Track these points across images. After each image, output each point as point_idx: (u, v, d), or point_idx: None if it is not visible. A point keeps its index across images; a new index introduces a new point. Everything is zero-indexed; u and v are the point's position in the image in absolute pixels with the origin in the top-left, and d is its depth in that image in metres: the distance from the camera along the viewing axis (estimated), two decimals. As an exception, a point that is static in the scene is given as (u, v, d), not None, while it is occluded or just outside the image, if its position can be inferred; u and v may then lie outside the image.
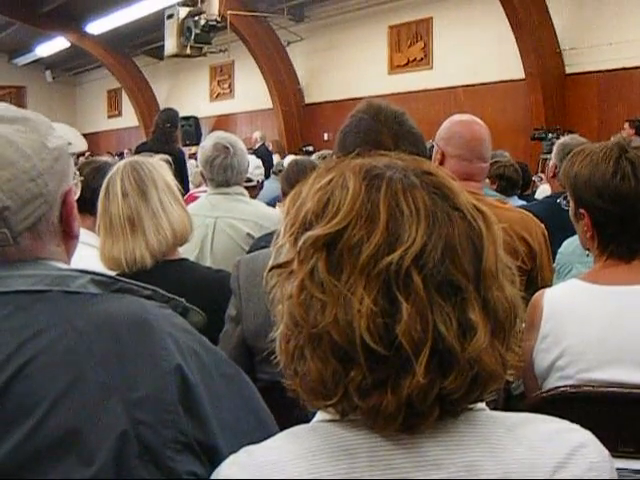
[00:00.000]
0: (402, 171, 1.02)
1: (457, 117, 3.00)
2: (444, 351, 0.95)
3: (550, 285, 2.82)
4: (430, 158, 1.88)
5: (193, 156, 10.01)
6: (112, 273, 2.42)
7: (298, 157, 5.98)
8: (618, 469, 1.78)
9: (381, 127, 1.94)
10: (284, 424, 1.15)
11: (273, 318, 1.05)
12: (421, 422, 0.97)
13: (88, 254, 2.54)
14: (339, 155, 1.94)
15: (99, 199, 2.49)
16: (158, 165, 2.54)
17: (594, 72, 11.41)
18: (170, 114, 7.35)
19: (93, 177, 2.84)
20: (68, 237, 1.34)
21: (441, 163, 2.88)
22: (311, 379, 0.99)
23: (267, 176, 6.98)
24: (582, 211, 2.06)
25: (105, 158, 3.55)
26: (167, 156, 2.76)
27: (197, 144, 12.54)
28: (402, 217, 0.97)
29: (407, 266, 0.94)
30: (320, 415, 1.05)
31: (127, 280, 1.30)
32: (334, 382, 0.97)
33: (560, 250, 2.95)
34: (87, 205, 2.67)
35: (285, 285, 1.01)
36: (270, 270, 1.04)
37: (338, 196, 1.00)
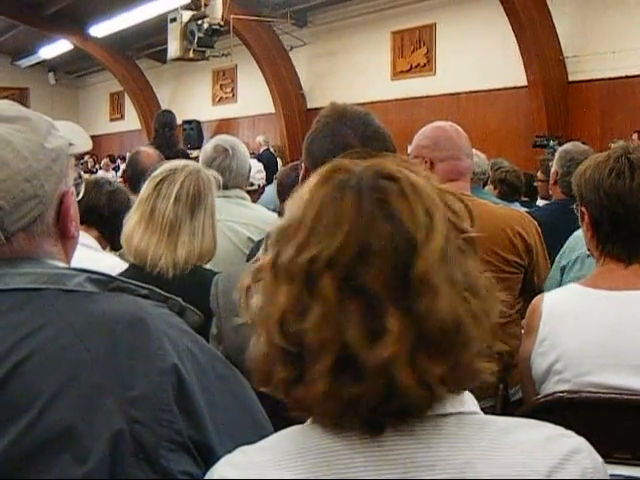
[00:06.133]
0: (355, 175, 1.02)
1: (429, 125, 2.98)
2: (350, 356, 0.94)
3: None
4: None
5: (195, 160, 10.01)
6: (126, 264, 2.46)
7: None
8: (613, 475, 1.79)
9: (347, 129, 1.91)
10: (281, 424, 1.15)
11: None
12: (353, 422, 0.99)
13: (86, 256, 2.56)
14: (307, 163, 1.93)
15: (145, 184, 2.54)
16: (213, 184, 2.59)
17: (597, 80, 11.43)
18: (166, 118, 7.29)
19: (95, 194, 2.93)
20: (65, 237, 1.33)
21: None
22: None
23: (271, 180, 6.95)
24: (583, 209, 2.09)
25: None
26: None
27: (199, 148, 12.52)
28: (326, 219, 0.99)
29: (319, 268, 0.96)
30: None
31: (124, 279, 1.30)
32: (270, 375, 1.03)
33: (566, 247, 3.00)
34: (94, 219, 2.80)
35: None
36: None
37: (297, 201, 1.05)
